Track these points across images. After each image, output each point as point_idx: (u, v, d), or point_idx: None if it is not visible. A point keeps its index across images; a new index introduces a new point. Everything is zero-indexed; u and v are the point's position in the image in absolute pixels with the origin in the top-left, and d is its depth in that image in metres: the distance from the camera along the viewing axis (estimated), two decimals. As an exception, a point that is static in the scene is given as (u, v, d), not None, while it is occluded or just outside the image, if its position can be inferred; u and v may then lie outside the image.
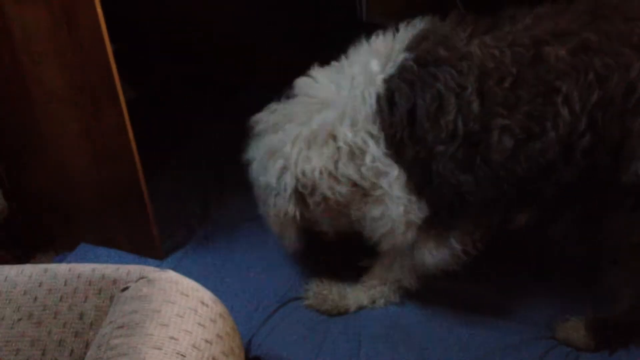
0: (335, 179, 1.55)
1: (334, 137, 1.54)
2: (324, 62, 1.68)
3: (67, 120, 1.83)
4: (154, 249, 1.96)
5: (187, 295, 0.96)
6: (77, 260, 1.96)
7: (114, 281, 0.94)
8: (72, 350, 0.94)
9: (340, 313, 1.76)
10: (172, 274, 0.98)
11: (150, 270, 0.98)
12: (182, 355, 0.92)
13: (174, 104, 2.47)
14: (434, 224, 1.54)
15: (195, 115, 2.45)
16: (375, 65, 1.52)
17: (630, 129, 1.36)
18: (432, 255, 1.60)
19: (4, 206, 1.97)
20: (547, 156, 1.40)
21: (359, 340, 1.69)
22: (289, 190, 1.58)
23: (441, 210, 1.51)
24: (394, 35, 1.56)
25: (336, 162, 1.54)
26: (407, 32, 1.54)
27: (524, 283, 1.79)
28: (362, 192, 1.56)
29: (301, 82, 1.63)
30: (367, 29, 2.32)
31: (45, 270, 1.00)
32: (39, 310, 0.96)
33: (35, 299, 0.97)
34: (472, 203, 1.47)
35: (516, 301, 1.75)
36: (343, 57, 1.62)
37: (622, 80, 1.35)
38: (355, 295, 1.76)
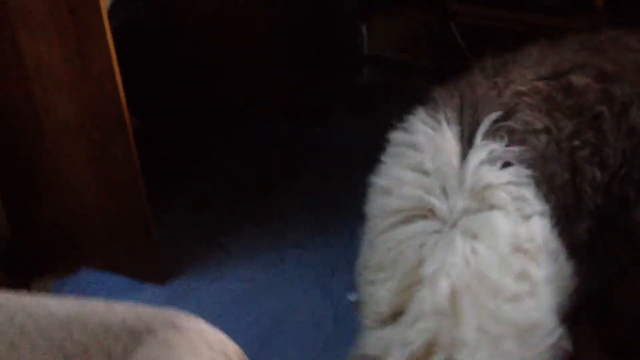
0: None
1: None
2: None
3: (76, 148, 1.87)
4: (155, 275, 2.01)
5: (211, 348, 0.98)
6: (78, 285, 1.97)
7: (147, 324, 0.98)
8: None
9: None
10: (201, 324, 1.02)
11: (180, 317, 1.01)
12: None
13: (179, 133, 2.52)
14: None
15: (202, 145, 2.51)
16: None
17: None
18: None
19: (8, 231, 1.98)
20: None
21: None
22: None
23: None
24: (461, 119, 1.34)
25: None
26: (453, 113, 1.35)
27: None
28: None
29: None
30: (369, 61, 2.35)
31: (84, 305, 1.02)
32: (70, 344, 0.98)
33: (70, 332, 0.99)
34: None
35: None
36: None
37: None
38: None
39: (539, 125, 1.31)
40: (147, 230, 1.95)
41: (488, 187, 1.25)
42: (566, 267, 1.29)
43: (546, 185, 1.28)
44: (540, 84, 1.37)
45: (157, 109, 2.52)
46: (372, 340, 1.28)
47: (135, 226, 1.95)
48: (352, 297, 1.86)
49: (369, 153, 2.21)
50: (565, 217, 1.30)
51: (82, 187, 1.94)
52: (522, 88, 1.36)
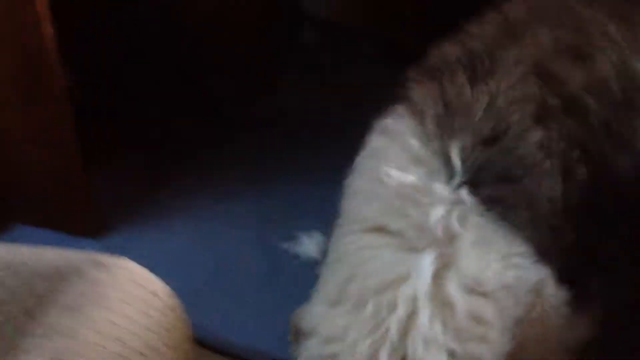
0: None
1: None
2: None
3: (6, 102, 1.86)
4: (89, 229, 2.03)
5: (138, 284, 1.01)
6: (10, 242, 1.92)
7: (75, 266, 0.99)
8: (19, 328, 0.96)
9: None
10: (127, 262, 1.04)
11: (106, 257, 1.03)
12: (120, 341, 0.94)
13: (131, 90, 2.50)
14: None
15: (152, 103, 2.50)
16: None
17: None
18: None
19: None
20: None
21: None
22: None
23: None
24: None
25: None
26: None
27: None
28: None
29: None
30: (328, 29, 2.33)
31: (13, 251, 1.03)
32: (0, 289, 0.98)
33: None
34: None
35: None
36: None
37: None
38: None
39: (531, 140, 1.27)
40: (80, 184, 1.95)
41: (458, 233, 1.23)
42: (555, 299, 1.28)
43: (530, 226, 1.25)
44: (528, 86, 1.32)
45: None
46: (312, 310, 1.33)
47: (68, 180, 1.95)
48: (286, 245, 1.91)
49: (313, 114, 2.25)
50: (554, 237, 1.27)
51: (13, 141, 1.91)
52: (514, 95, 1.31)
